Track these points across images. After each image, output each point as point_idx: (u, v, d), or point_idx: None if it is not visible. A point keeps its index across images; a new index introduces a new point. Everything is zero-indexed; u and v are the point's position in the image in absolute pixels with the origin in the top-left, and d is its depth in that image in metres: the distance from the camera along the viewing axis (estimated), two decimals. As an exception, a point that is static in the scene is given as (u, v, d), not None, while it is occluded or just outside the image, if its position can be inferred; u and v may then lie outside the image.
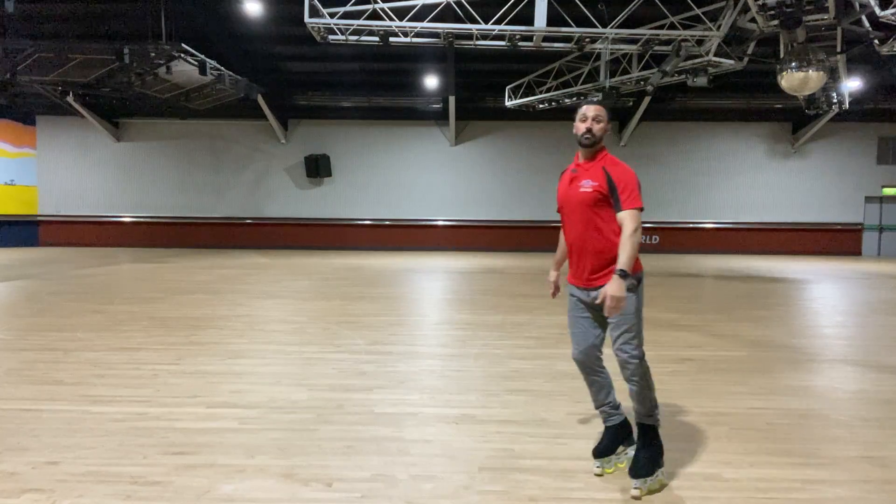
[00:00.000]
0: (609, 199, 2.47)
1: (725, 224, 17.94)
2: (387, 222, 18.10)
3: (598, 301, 2.44)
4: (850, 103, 12.55)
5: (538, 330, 5.78)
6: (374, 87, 16.73)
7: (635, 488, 2.46)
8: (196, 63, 11.72)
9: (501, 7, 9.67)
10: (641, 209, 2.44)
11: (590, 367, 2.65)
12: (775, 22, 8.03)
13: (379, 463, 2.70)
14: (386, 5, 9.66)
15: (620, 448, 2.71)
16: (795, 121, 17.49)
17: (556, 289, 2.88)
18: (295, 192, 18.19)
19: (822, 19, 8.04)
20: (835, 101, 12.22)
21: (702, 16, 9.75)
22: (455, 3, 9.65)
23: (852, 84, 12.60)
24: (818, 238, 17.84)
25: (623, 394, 2.64)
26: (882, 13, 7.82)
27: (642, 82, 12.37)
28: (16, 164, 17.36)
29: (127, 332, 5.46)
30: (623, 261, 2.37)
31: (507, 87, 14.53)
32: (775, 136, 17.86)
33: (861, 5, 8.08)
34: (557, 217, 2.73)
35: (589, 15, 9.82)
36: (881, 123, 17.32)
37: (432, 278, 10.47)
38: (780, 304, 7.92)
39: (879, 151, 17.66)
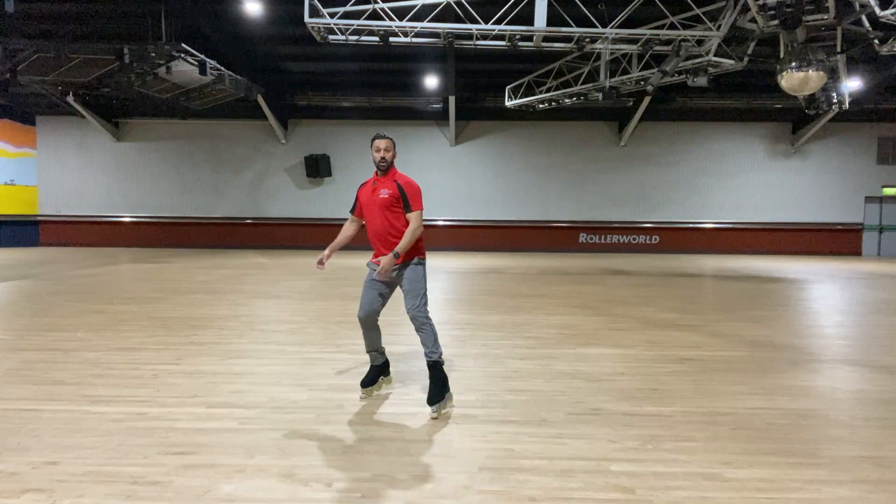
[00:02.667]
0: (400, 202, 3.43)
1: (725, 224, 17.93)
2: (387, 222, 18.07)
3: (376, 274, 3.41)
4: (850, 103, 12.54)
5: (538, 330, 5.78)
6: (374, 87, 16.74)
7: (433, 413, 3.28)
8: (196, 63, 11.72)
9: (501, 7, 9.68)
10: (422, 210, 3.52)
11: (369, 324, 3.54)
12: (775, 22, 8.05)
13: (379, 463, 2.70)
14: (386, 5, 9.66)
15: (380, 379, 3.72)
16: (795, 121, 17.49)
17: (321, 262, 3.73)
18: (295, 192, 18.20)
19: (822, 19, 8.05)
20: (835, 101, 12.21)
21: (702, 16, 9.76)
22: (455, 3, 9.65)
23: (852, 84, 12.59)
24: (818, 238, 17.84)
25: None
26: (882, 13, 7.83)
27: (642, 82, 12.37)
28: (16, 164, 17.36)
29: (127, 332, 5.46)
30: (401, 245, 3.36)
31: (507, 87, 14.54)
32: (775, 136, 17.86)
33: (861, 5, 8.08)
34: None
35: (589, 15, 9.83)
36: (881, 123, 17.33)
37: (432, 278, 10.42)
38: (780, 304, 7.92)
39: (879, 151, 17.66)
